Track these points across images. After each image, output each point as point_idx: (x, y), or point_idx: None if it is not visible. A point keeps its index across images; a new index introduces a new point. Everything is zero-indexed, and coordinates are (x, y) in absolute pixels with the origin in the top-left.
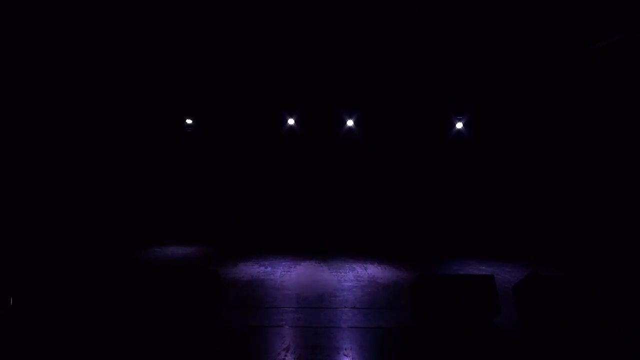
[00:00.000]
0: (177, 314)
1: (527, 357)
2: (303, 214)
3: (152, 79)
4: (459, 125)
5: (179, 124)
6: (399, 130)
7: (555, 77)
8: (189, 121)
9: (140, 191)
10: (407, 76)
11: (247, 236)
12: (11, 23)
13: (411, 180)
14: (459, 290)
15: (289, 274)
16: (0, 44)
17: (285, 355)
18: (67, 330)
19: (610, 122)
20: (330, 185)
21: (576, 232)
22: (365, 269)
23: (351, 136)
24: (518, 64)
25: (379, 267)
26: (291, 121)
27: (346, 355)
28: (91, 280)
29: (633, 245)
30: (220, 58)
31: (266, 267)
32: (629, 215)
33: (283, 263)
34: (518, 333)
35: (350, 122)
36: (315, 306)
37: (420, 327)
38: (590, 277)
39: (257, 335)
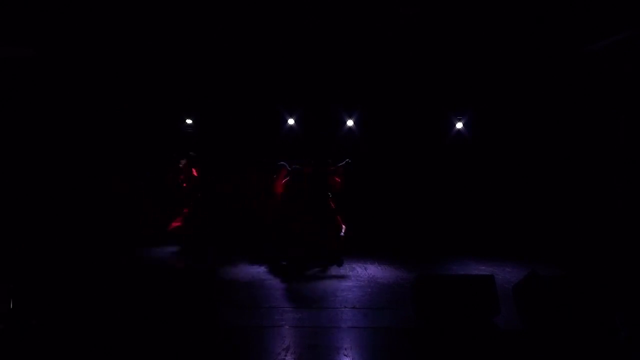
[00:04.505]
0: (176, 314)
1: (527, 357)
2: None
3: (151, 80)
4: (459, 125)
5: (178, 124)
6: (399, 130)
7: (556, 78)
8: (188, 121)
9: (139, 191)
10: (407, 76)
11: (247, 236)
12: (11, 23)
13: (411, 180)
14: (459, 290)
15: (289, 274)
16: (0, 44)
17: (285, 355)
18: (66, 330)
19: (610, 122)
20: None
21: (576, 231)
22: (365, 269)
23: (351, 136)
24: (518, 64)
25: (379, 267)
26: (291, 121)
27: (346, 355)
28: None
29: (633, 245)
30: (221, 59)
31: (266, 267)
32: (629, 215)
33: (283, 263)
34: (518, 333)
35: (350, 122)
36: (315, 306)
37: (420, 327)
38: (590, 277)
39: (257, 335)
